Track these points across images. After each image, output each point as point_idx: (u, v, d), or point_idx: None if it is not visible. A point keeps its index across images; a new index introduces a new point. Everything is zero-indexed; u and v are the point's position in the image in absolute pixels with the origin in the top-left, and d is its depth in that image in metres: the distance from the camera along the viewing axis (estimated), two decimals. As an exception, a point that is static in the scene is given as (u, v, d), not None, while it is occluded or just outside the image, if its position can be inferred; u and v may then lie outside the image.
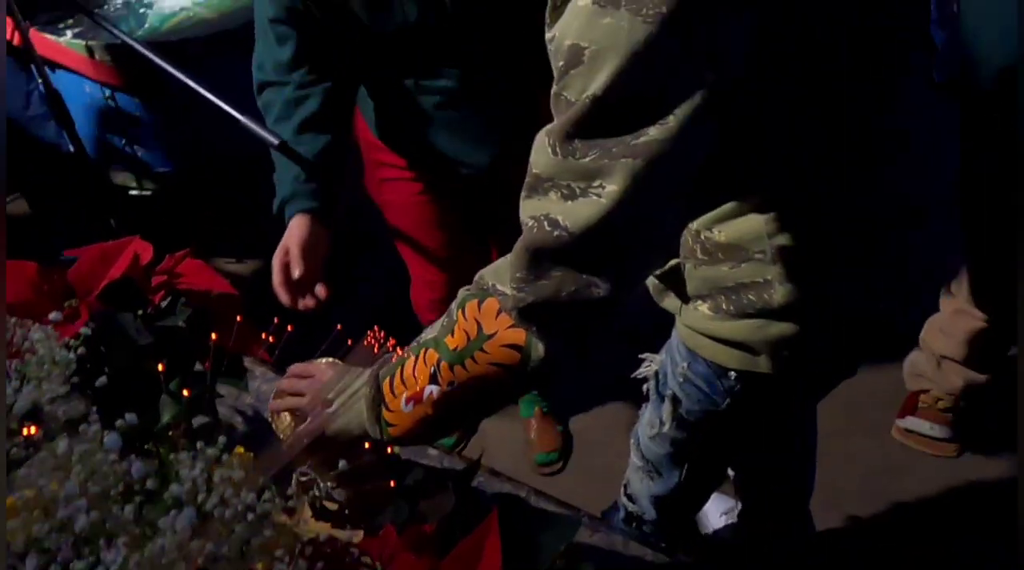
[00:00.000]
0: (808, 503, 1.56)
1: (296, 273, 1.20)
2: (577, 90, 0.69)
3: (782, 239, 0.89)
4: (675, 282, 1.03)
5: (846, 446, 1.92)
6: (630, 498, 1.44)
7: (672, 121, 0.67)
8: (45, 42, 2.07)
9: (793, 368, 1.00)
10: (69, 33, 2.06)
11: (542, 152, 0.74)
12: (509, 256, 0.80)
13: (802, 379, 1.07)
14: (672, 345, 1.14)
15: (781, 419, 1.26)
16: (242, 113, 1.36)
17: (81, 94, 2.14)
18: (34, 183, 2.23)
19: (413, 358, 0.87)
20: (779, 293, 0.92)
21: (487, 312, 0.81)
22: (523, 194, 0.77)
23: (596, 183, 0.70)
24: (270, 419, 1.10)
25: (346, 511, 0.98)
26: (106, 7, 2.23)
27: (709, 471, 1.34)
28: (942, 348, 1.87)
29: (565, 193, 0.73)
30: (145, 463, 0.72)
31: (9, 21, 1.83)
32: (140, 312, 1.08)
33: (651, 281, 1.07)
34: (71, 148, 1.94)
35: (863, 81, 0.82)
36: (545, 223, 0.74)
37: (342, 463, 0.91)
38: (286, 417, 1.10)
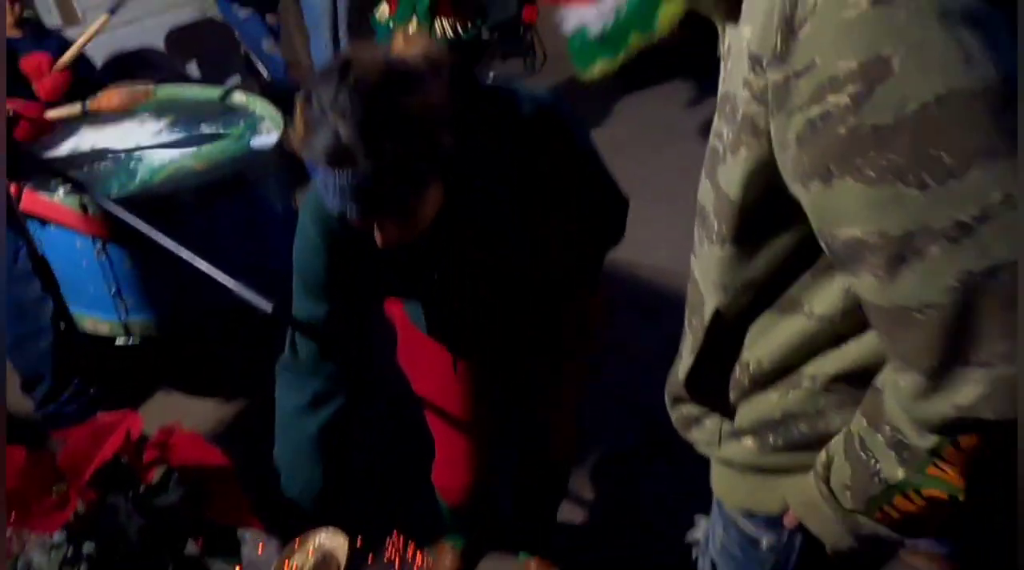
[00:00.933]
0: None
1: None
2: (896, 106, 0.57)
3: (830, 365, 0.80)
4: (717, 405, 0.93)
5: None
6: None
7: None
8: (38, 201, 2.11)
9: None
10: (62, 190, 2.10)
11: (885, 207, 0.59)
12: (925, 378, 0.62)
13: None
14: (713, 506, 1.06)
15: None
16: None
17: (71, 250, 2.16)
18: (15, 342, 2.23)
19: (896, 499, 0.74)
20: (836, 421, 0.82)
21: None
22: (876, 282, 0.62)
23: (993, 198, 0.56)
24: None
25: None
26: (95, 165, 2.29)
27: None
28: None
29: (952, 236, 0.57)
30: None
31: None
32: (131, 492, 1.07)
33: (681, 410, 0.99)
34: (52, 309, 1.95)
35: None
36: (971, 283, 0.57)
37: None
38: None
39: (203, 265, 1.35)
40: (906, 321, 0.62)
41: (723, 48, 0.77)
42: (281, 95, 4.28)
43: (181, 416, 2.43)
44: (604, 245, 1.51)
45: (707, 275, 0.85)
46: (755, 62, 0.65)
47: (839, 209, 0.62)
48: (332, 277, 1.27)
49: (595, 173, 1.40)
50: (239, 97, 2.58)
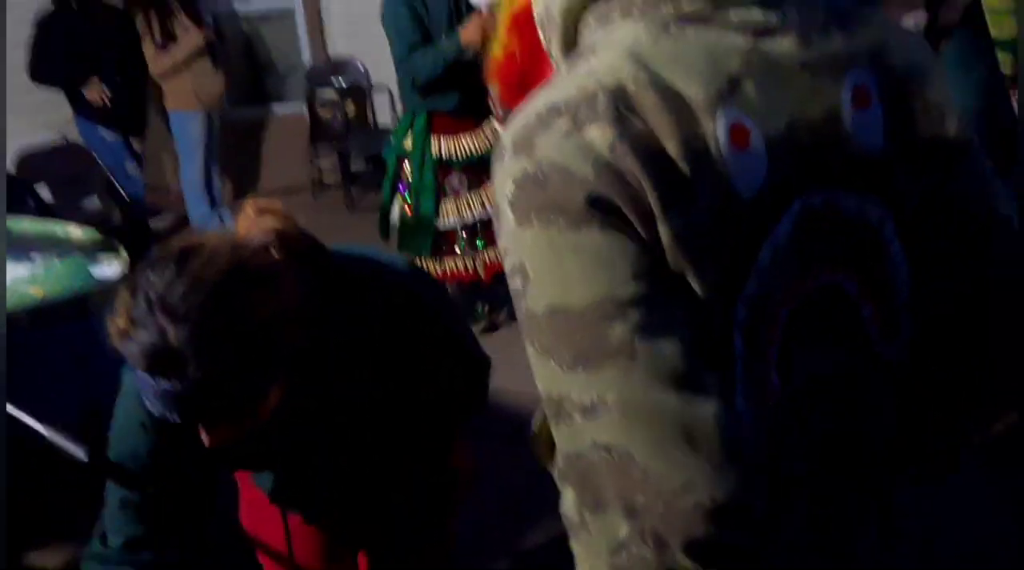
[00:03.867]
0: None
1: None
2: (535, 302, 0.68)
3: None
4: None
5: None
6: None
7: (630, 313, 0.65)
8: None
9: None
10: None
11: (547, 372, 0.69)
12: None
13: None
14: None
15: None
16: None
17: None
18: None
19: None
20: None
21: None
22: (551, 423, 0.71)
23: (595, 396, 0.66)
24: None
25: None
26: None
27: None
28: None
29: (584, 410, 0.66)
30: None
31: None
32: None
33: None
34: None
35: None
36: (603, 451, 0.66)
37: None
38: None
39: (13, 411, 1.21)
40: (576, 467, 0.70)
41: None
42: (139, 218, 4.20)
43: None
44: (466, 414, 1.44)
45: None
46: None
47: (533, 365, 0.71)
48: (156, 461, 1.12)
49: (456, 345, 1.33)
50: (76, 231, 2.51)
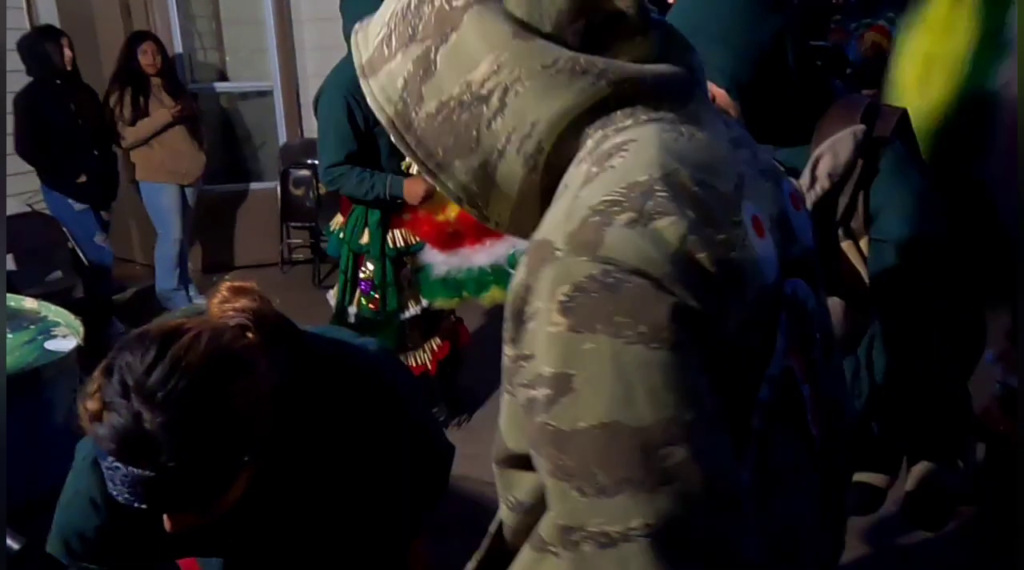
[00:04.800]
0: None
1: None
2: (572, 419, 0.62)
3: None
4: None
5: None
6: None
7: (693, 435, 0.61)
8: None
9: None
10: None
11: (557, 495, 0.64)
12: None
13: None
14: None
15: None
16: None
17: None
18: None
19: None
20: None
21: None
22: (532, 555, 0.66)
23: (634, 524, 0.61)
24: None
25: None
26: None
27: None
28: None
29: (603, 542, 0.62)
30: None
31: None
32: None
33: None
34: None
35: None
36: None
37: None
38: None
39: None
40: None
41: None
42: (102, 292, 4.14)
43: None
44: (428, 502, 1.42)
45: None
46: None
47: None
48: (106, 541, 1.07)
49: (423, 433, 1.32)
50: (30, 303, 2.47)
